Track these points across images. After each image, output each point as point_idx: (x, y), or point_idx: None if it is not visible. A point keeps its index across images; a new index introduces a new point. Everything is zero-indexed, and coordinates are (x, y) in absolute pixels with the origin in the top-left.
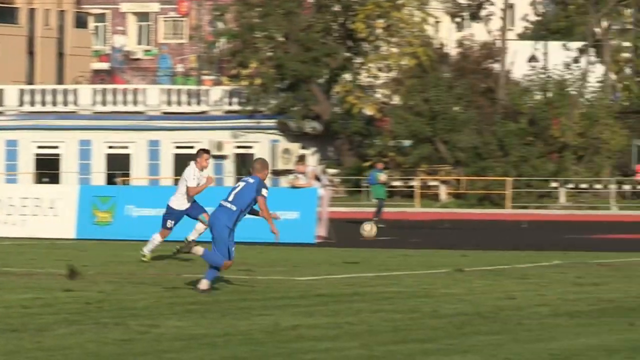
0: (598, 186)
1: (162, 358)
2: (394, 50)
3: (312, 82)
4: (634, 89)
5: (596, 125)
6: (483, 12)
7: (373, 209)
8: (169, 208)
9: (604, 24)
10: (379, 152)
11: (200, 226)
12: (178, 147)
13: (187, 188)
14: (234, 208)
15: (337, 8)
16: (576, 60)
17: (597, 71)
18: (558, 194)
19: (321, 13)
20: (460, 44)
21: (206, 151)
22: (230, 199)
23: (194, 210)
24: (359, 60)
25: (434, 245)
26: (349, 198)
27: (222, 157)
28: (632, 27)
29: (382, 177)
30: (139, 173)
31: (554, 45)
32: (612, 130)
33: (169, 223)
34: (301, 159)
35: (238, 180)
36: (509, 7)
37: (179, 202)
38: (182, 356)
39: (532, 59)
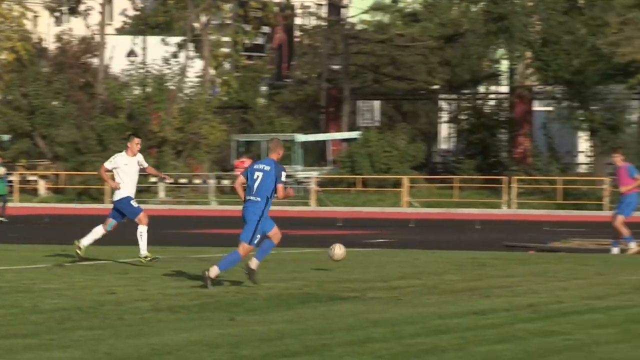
0: (197, 181)
1: None
2: None
3: None
4: (233, 84)
5: (195, 120)
6: (82, 7)
7: None
8: (121, 200)
9: (203, 19)
10: None
11: (99, 230)
12: None
13: (100, 166)
14: (259, 199)
15: None
16: (175, 55)
17: (196, 66)
18: (157, 189)
19: None
20: (59, 38)
21: (137, 135)
22: (254, 192)
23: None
24: None
25: (35, 240)
26: None
27: None
28: (231, 22)
29: (1, 171)
30: None
31: (153, 40)
32: (211, 125)
33: (135, 204)
34: None
35: None
36: (108, 2)
37: (127, 191)
38: None
39: (131, 53)
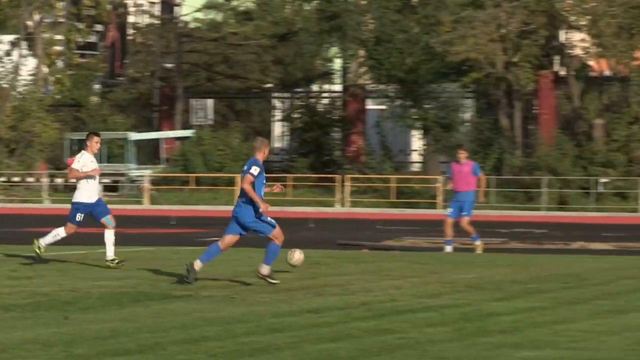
0: (30, 179)
1: None
2: None
3: None
4: (66, 82)
5: (28, 119)
6: None
7: None
8: (77, 203)
9: (36, 17)
10: None
11: (110, 236)
12: None
13: (70, 170)
14: (245, 199)
15: None
16: (8, 53)
17: (30, 64)
18: None
19: None
20: None
21: (97, 134)
22: (241, 193)
23: (99, 209)
24: None
25: None
26: None
27: None
28: (64, 20)
29: None
30: None
31: None
32: (44, 123)
33: (79, 217)
34: None
35: None
36: None
37: (88, 195)
38: None
39: None
